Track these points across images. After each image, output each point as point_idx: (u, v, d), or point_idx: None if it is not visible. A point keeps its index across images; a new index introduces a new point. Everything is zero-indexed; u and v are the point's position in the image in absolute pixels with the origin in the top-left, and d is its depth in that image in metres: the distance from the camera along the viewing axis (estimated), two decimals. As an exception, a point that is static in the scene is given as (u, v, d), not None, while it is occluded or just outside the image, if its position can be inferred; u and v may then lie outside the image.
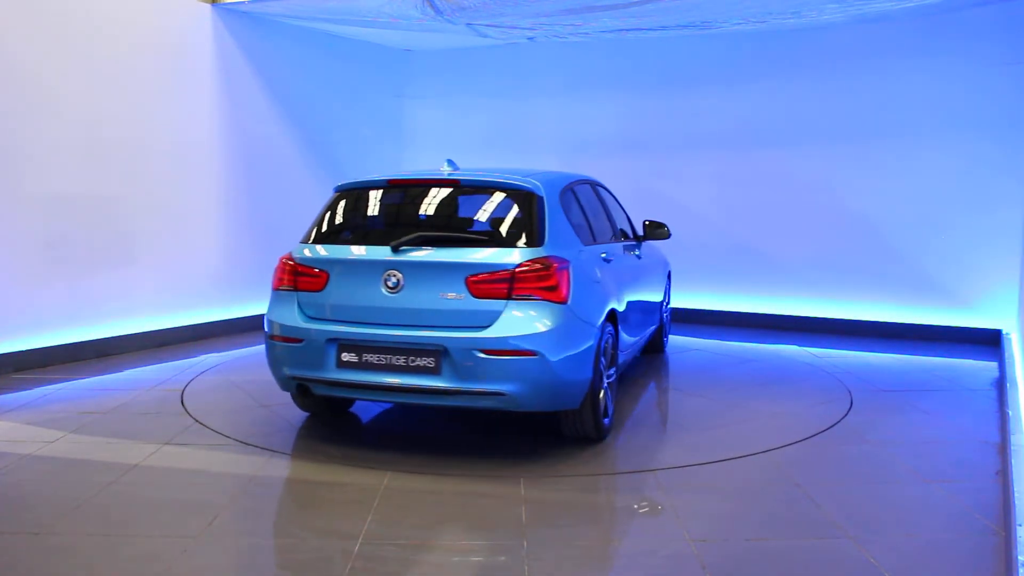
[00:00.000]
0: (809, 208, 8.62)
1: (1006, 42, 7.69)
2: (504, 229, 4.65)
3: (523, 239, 4.53)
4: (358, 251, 4.69)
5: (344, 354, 4.53)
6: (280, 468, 4.49)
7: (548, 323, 4.34)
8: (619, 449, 4.84)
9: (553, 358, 4.32)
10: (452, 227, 4.76)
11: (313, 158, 9.21)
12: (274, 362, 4.82)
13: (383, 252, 4.54)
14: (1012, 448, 4.34)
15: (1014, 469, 3.99)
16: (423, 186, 4.97)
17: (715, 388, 6.27)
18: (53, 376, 6.42)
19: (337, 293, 4.63)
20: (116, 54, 7.12)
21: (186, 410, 5.54)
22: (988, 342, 7.77)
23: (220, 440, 4.92)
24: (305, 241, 4.92)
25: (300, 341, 4.61)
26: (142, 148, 7.37)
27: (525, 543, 3.52)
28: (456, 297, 4.41)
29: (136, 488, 4.14)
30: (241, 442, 4.88)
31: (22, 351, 6.55)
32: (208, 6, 7.90)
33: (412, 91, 10.40)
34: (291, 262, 4.80)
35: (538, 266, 4.40)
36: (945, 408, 5.74)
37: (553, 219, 4.72)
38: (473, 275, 4.40)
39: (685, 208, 9.04)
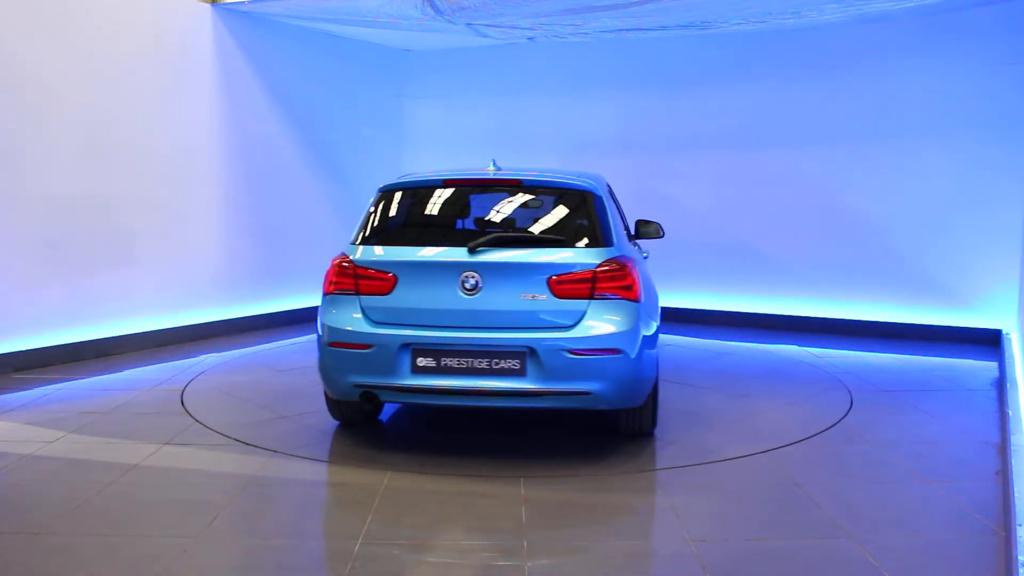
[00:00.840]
0: (809, 208, 8.62)
1: (1006, 42, 7.68)
2: (573, 229, 4.68)
3: (593, 239, 4.57)
4: (431, 253, 4.54)
5: (420, 359, 4.39)
6: (280, 468, 4.48)
7: (628, 322, 4.40)
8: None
9: (633, 355, 4.39)
10: (521, 227, 4.75)
11: (313, 158, 9.21)
12: (334, 370, 4.56)
13: (459, 253, 4.44)
14: (1012, 448, 4.34)
15: (1014, 469, 3.99)
16: (482, 186, 4.93)
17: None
18: (53, 376, 6.42)
19: (408, 296, 4.46)
20: (116, 54, 7.12)
21: (186, 410, 5.54)
22: (988, 342, 7.77)
23: (220, 440, 4.92)
24: (357, 242, 4.73)
25: (368, 347, 4.41)
26: (142, 148, 7.37)
27: (525, 543, 3.52)
28: (538, 298, 4.39)
29: (136, 488, 4.14)
30: (241, 442, 4.88)
31: (22, 351, 6.55)
32: (208, 6, 7.90)
33: (412, 91, 10.40)
34: (350, 264, 4.58)
35: (615, 266, 4.45)
36: (945, 408, 5.74)
37: (613, 219, 4.81)
38: (556, 276, 4.39)
39: (685, 208, 9.04)
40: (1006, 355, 6.80)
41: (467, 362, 4.37)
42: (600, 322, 4.36)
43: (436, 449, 4.83)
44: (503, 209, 4.85)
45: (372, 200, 4.96)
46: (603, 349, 4.32)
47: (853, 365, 7.05)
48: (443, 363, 4.38)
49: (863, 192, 8.36)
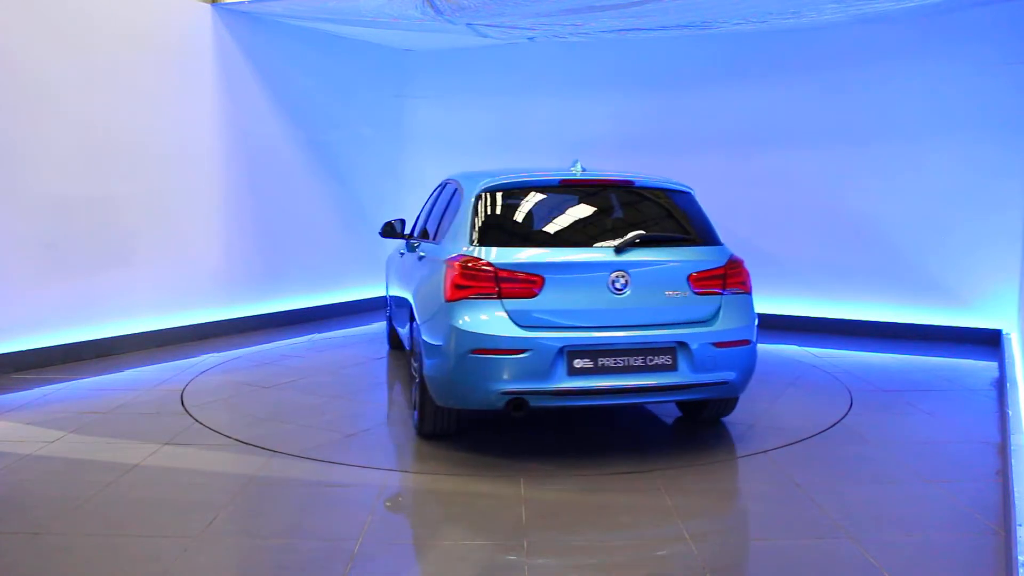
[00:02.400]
0: (809, 208, 8.61)
1: (1006, 42, 7.68)
2: (692, 228, 4.85)
3: (709, 237, 4.83)
4: (577, 254, 4.51)
5: (577, 361, 4.34)
6: (280, 468, 4.48)
7: (751, 314, 4.77)
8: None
9: (755, 344, 4.76)
10: (647, 227, 4.80)
11: (313, 158, 9.21)
12: (476, 379, 4.34)
13: (605, 253, 4.47)
14: (1012, 448, 4.34)
15: (1014, 469, 3.98)
16: (597, 186, 4.94)
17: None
18: (53, 376, 6.42)
19: (559, 298, 4.39)
20: (116, 54, 7.12)
21: (186, 410, 5.54)
22: (988, 342, 7.77)
23: (220, 440, 4.92)
24: (473, 244, 4.55)
25: (522, 352, 4.27)
26: (142, 148, 7.37)
27: (525, 543, 3.52)
28: (680, 295, 4.54)
29: (136, 488, 4.14)
30: (241, 442, 4.88)
31: (22, 351, 6.56)
32: (208, 6, 7.90)
33: (412, 91, 10.40)
34: (490, 267, 4.40)
35: (737, 262, 4.77)
36: (945, 408, 5.74)
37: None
38: (695, 273, 4.58)
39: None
40: (1006, 355, 6.80)
41: (623, 361, 4.41)
42: (734, 315, 4.64)
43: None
44: (623, 209, 4.91)
45: (470, 201, 4.78)
46: (739, 340, 4.61)
47: (853, 365, 7.05)
48: (600, 363, 4.37)
49: (863, 192, 8.36)
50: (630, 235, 4.55)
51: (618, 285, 4.44)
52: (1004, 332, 7.68)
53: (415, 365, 5.06)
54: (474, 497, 4.10)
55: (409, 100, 10.42)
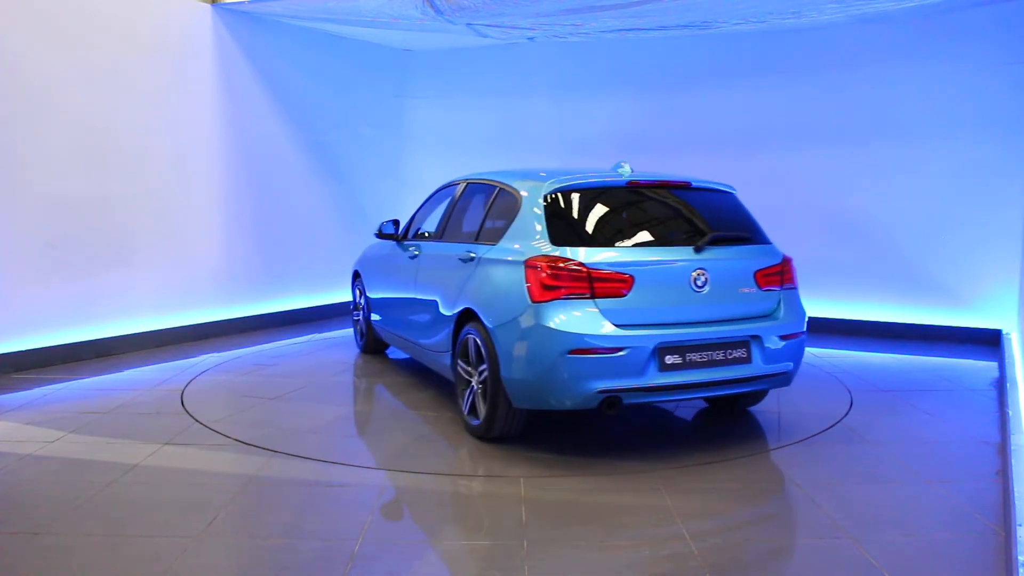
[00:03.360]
0: (808, 208, 8.61)
1: (1006, 42, 7.68)
2: (744, 226, 5.07)
3: (761, 235, 5.09)
4: (662, 253, 4.64)
5: (668, 357, 4.46)
6: (280, 468, 4.49)
7: (802, 307, 5.08)
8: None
9: (806, 336, 5.05)
10: (712, 226, 4.90)
11: (313, 158, 9.21)
12: (573, 379, 4.36)
13: (687, 252, 4.64)
14: (1012, 448, 4.34)
15: (1014, 469, 3.98)
16: (659, 187, 5.05)
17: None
18: (53, 376, 6.42)
19: (647, 297, 4.50)
20: (116, 54, 7.12)
21: (186, 410, 5.54)
22: (988, 342, 7.77)
23: (220, 440, 4.92)
24: (552, 244, 4.56)
25: (619, 351, 4.35)
26: (142, 148, 7.37)
27: (525, 543, 3.52)
28: (749, 291, 4.81)
29: (136, 488, 4.14)
30: (241, 442, 4.88)
31: (22, 351, 6.56)
32: (208, 6, 7.90)
33: (412, 91, 10.41)
34: (583, 268, 4.44)
35: (788, 259, 5.07)
36: (945, 408, 5.74)
37: None
38: (761, 269, 4.86)
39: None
40: (1006, 355, 6.80)
41: (708, 355, 4.58)
42: (791, 309, 4.96)
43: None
44: (686, 209, 5.07)
45: (536, 202, 4.82)
46: (798, 332, 4.92)
47: (853, 365, 7.05)
48: (688, 359, 4.53)
49: (863, 192, 8.36)
50: (709, 235, 4.75)
51: (699, 283, 4.61)
52: (1004, 332, 7.68)
53: (465, 368, 5.02)
54: (474, 497, 4.11)
55: (409, 100, 10.43)
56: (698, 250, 4.65)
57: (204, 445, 4.83)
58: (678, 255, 4.62)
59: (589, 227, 4.75)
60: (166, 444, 4.81)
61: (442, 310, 5.38)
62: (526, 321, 4.46)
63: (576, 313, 4.38)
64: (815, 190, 8.58)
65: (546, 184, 4.88)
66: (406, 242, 6.39)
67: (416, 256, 6.07)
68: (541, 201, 4.80)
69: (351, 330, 8.51)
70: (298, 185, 9.03)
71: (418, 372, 6.70)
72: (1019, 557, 3.04)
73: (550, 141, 9.63)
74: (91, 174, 6.98)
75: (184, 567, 3.28)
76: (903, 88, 8.12)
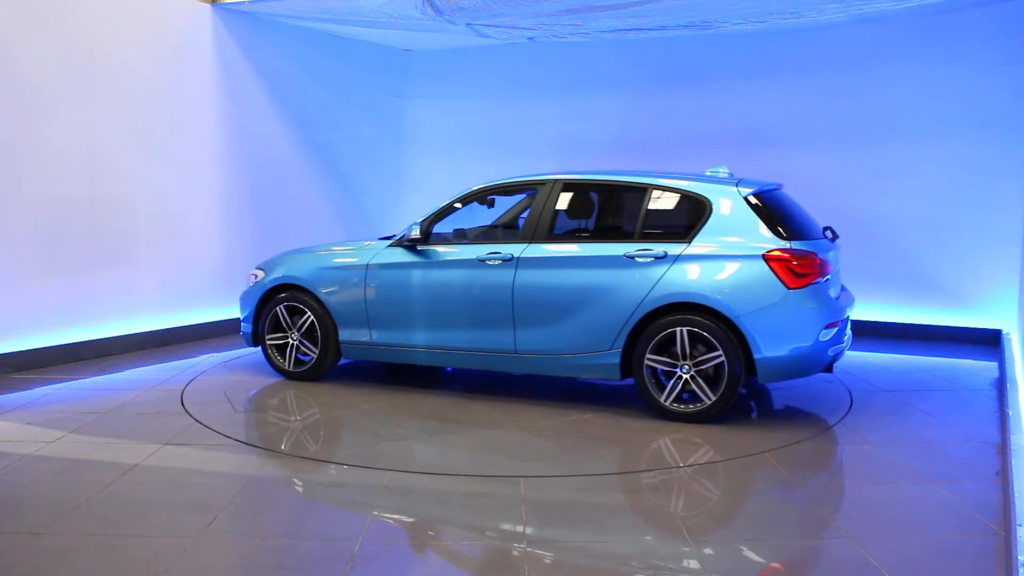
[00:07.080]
0: (808, 208, 8.55)
1: (1006, 43, 7.67)
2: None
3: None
4: (826, 244, 5.56)
5: (827, 329, 5.25)
6: (280, 468, 4.49)
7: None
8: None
9: None
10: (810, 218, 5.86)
11: (313, 158, 9.21)
12: (825, 347, 5.24)
13: (830, 244, 5.68)
14: (1012, 448, 4.34)
15: (1014, 469, 3.99)
16: (777, 188, 5.88)
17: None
18: (53, 376, 6.42)
19: (829, 281, 5.41)
20: (116, 54, 7.12)
21: (186, 410, 5.54)
22: (988, 342, 7.77)
23: (220, 440, 4.92)
24: (780, 238, 5.21)
25: (839, 323, 5.35)
26: (142, 148, 7.38)
27: (525, 543, 3.52)
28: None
29: (136, 488, 4.14)
30: (241, 442, 4.88)
31: (22, 351, 6.56)
32: (208, 6, 7.90)
33: (412, 91, 10.40)
34: (819, 258, 5.24)
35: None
36: (945, 408, 5.74)
37: None
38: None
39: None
40: (1006, 355, 6.80)
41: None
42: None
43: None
44: (796, 208, 5.84)
45: (740, 202, 5.38)
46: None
47: (853, 365, 7.05)
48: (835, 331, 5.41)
49: (863, 192, 8.35)
50: (823, 227, 5.80)
51: (836, 267, 5.61)
52: (1004, 332, 7.68)
53: (659, 360, 5.29)
54: (474, 497, 4.11)
55: (409, 100, 10.42)
56: (833, 240, 5.79)
57: (204, 445, 4.83)
58: (831, 246, 5.66)
59: (780, 223, 5.35)
60: (166, 444, 4.81)
61: (604, 313, 5.34)
62: (789, 305, 5.09)
63: (825, 294, 5.28)
64: (815, 190, 8.53)
65: (746, 187, 5.49)
66: (480, 248, 5.81)
67: (509, 260, 5.61)
68: (744, 201, 5.38)
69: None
70: (298, 185, 9.03)
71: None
72: (1019, 557, 3.04)
73: (550, 141, 9.62)
74: (91, 174, 6.98)
75: (184, 567, 3.28)
76: (903, 88, 8.12)
